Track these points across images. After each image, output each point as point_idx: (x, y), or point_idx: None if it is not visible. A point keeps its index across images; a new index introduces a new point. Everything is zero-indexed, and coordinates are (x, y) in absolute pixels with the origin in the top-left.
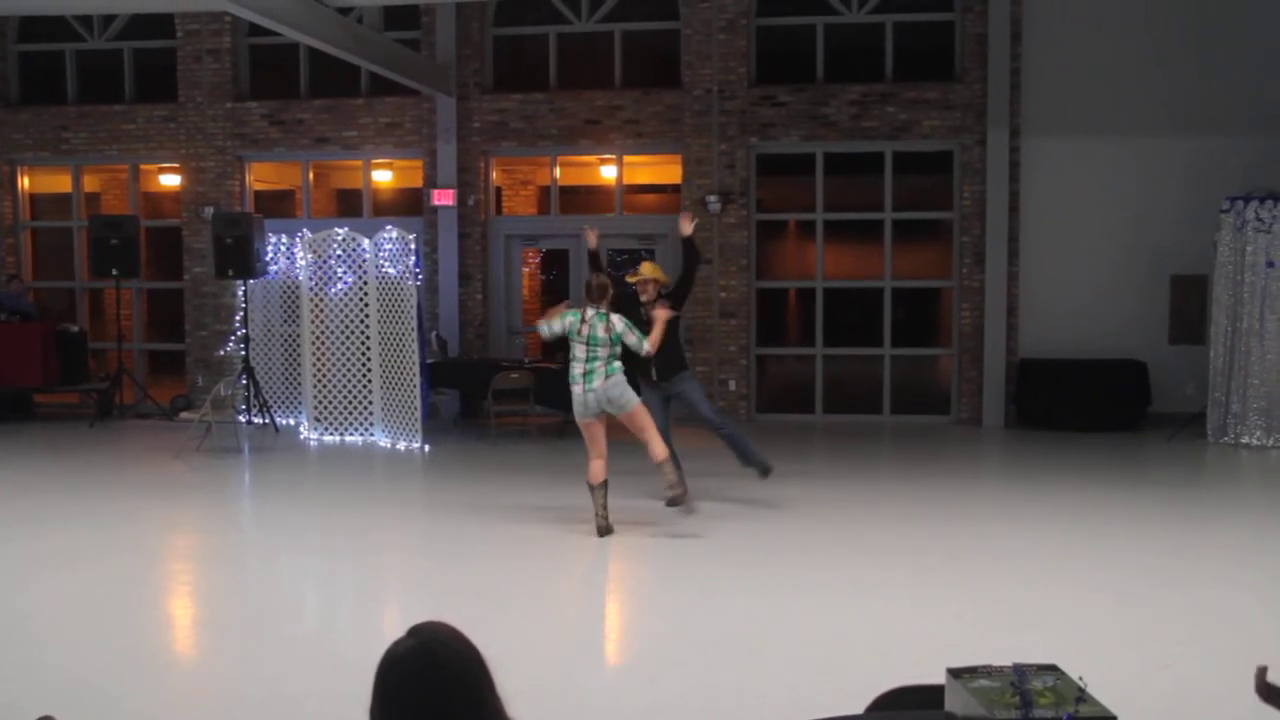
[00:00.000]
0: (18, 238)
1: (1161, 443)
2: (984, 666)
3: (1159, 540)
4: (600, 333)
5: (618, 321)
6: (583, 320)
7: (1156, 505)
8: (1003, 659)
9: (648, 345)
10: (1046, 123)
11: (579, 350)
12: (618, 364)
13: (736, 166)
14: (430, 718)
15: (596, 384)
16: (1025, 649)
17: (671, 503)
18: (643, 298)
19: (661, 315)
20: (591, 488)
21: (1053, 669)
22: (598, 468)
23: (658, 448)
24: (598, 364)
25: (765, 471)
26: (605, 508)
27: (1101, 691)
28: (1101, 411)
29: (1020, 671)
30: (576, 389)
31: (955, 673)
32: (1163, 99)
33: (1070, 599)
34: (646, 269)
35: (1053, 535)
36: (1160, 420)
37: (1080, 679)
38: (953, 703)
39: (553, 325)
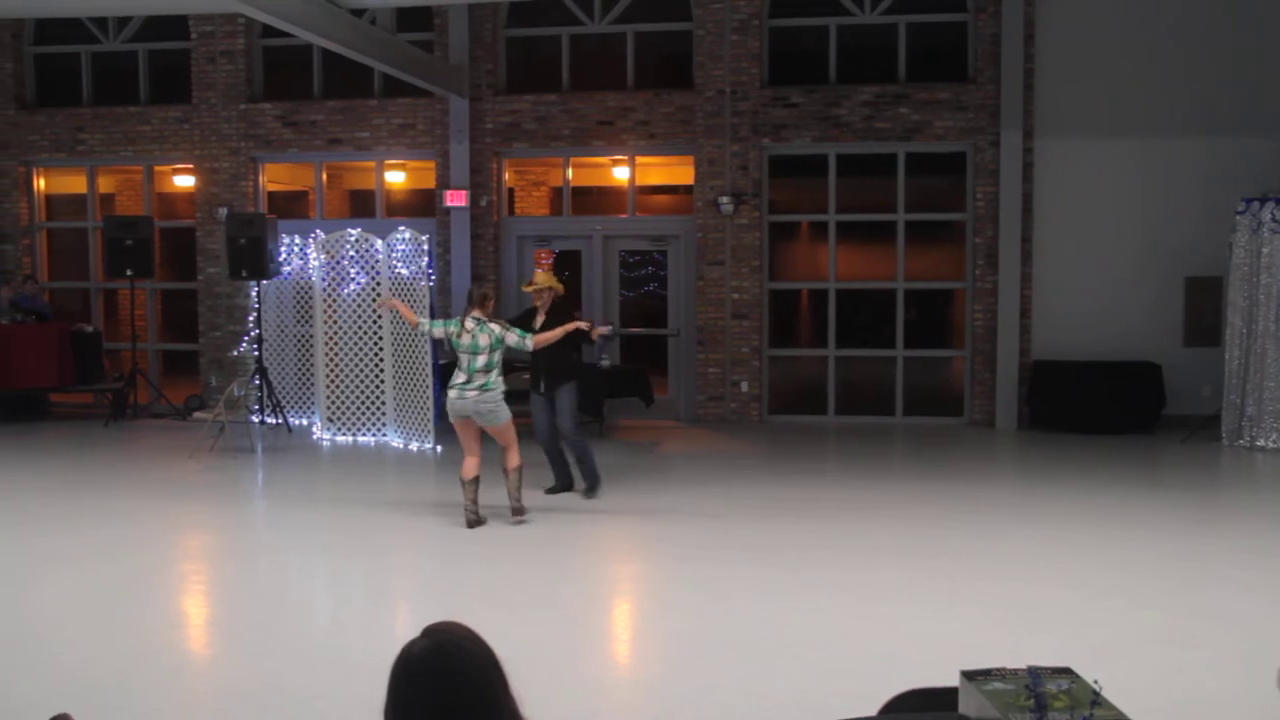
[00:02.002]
0: (33, 238)
1: (1176, 445)
2: (998, 669)
3: (1172, 543)
4: (481, 341)
5: (497, 326)
6: (463, 328)
7: (1170, 508)
8: (1016, 662)
9: (530, 341)
10: (1060, 123)
11: (461, 358)
12: (497, 378)
13: (749, 167)
14: (445, 718)
15: (470, 394)
16: (1038, 652)
17: (517, 511)
18: (536, 303)
19: (569, 327)
20: (462, 482)
21: (1067, 672)
22: (470, 465)
23: (514, 459)
24: (476, 373)
25: (593, 491)
26: (475, 502)
27: (1116, 695)
28: (1115, 414)
29: (1035, 674)
30: (452, 393)
31: (969, 675)
32: (1177, 99)
33: (1083, 602)
34: (541, 278)
35: (1065, 538)
36: (1175, 423)
37: (1095, 682)
38: (966, 705)
39: (434, 329)
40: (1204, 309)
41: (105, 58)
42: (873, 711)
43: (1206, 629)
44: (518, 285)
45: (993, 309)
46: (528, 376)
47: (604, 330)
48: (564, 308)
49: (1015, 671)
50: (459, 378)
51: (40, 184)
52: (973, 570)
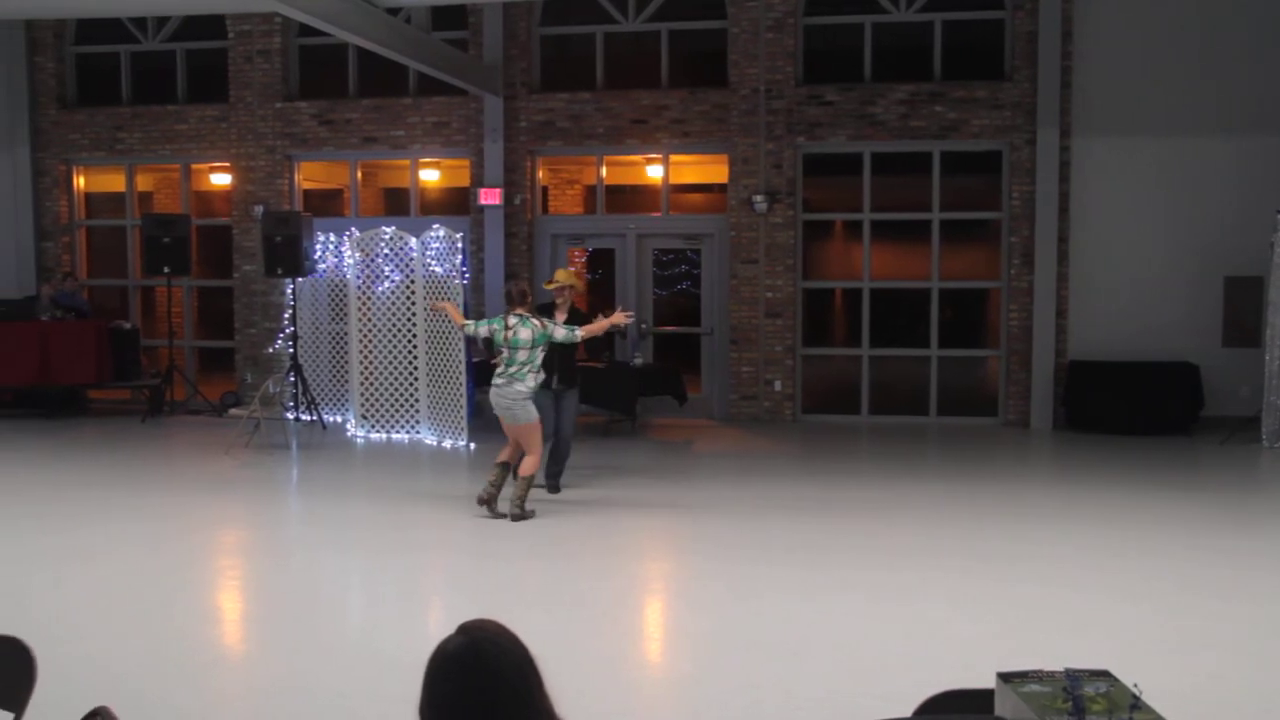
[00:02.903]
0: (73, 236)
1: (1214, 447)
2: (1034, 671)
3: (1210, 546)
4: (523, 336)
5: (541, 322)
6: (506, 326)
7: (1208, 510)
8: (1052, 664)
9: (580, 332)
10: (1098, 122)
11: (504, 354)
12: (529, 375)
13: (783, 166)
14: (480, 715)
15: (498, 386)
16: (1074, 654)
17: (515, 517)
18: (558, 300)
19: (614, 320)
20: (494, 464)
21: (1105, 675)
22: (508, 451)
23: (529, 466)
24: (513, 368)
25: (554, 489)
26: (494, 484)
27: (1155, 699)
28: (1152, 414)
29: (1073, 677)
30: (491, 390)
31: (1005, 677)
32: (1217, 97)
33: (1120, 605)
34: (562, 275)
35: (1101, 540)
36: (1213, 424)
37: (1134, 685)
38: (1002, 707)
39: (479, 329)
40: (1244, 309)
41: (144, 57)
42: (907, 713)
43: (1247, 634)
44: None
45: (1028, 308)
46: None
47: (627, 316)
48: (579, 313)
49: (1052, 674)
50: (499, 371)
51: (80, 182)
52: (1008, 572)
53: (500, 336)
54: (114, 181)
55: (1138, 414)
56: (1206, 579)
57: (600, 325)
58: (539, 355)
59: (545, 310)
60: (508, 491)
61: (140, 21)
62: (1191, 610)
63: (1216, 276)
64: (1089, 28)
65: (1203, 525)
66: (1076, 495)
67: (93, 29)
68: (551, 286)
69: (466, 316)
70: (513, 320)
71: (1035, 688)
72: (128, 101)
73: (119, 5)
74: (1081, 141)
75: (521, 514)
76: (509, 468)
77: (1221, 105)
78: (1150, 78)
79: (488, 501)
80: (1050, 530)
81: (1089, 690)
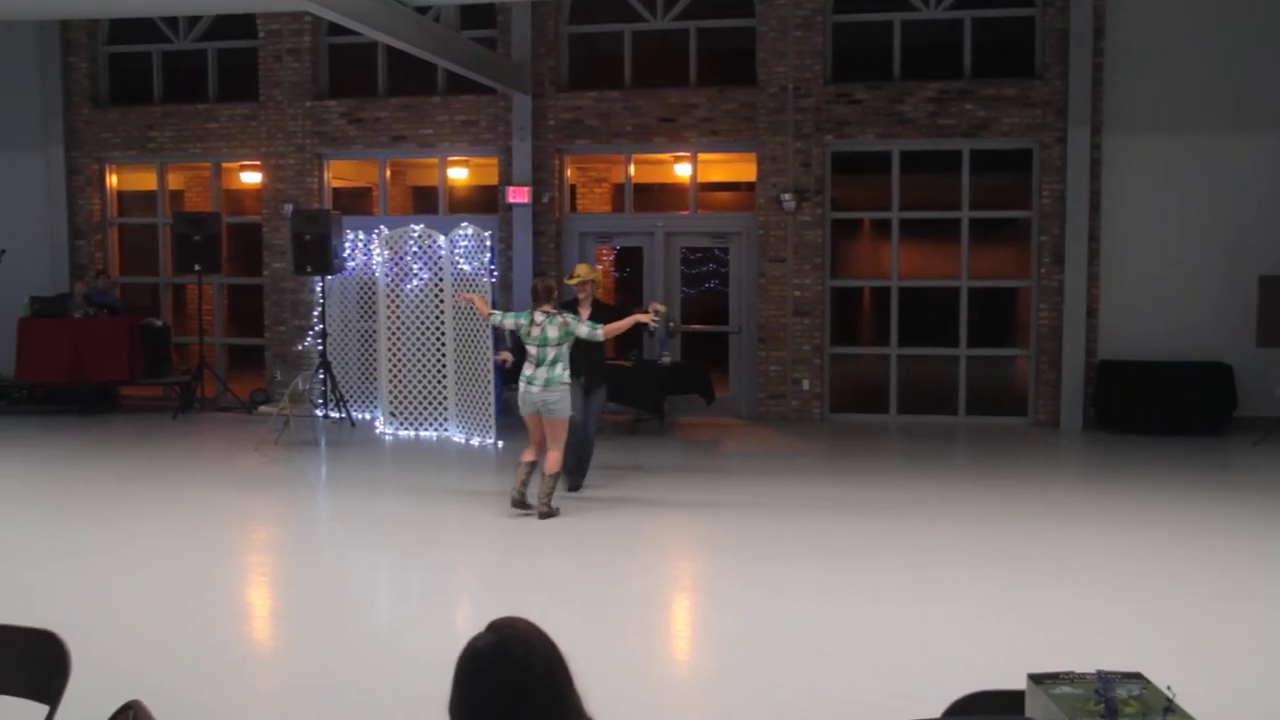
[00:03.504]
0: (105, 234)
1: (1247, 448)
2: (1066, 673)
3: (1244, 549)
4: (550, 333)
5: (566, 318)
6: (532, 322)
7: (1241, 512)
8: (1082, 666)
9: (601, 331)
10: (1129, 119)
11: (531, 350)
12: (563, 371)
13: (811, 164)
14: (510, 713)
15: (536, 388)
16: (1105, 657)
17: (543, 515)
18: (580, 295)
19: (637, 318)
20: (519, 464)
21: (1138, 677)
22: (533, 450)
23: (554, 464)
24: (543, 366)
25: (575, 487)
26: (524, 484)
27: (1189, 703)
28: (1184, 415)
29: (1105, 679)
30: (522, 385)
31: (1036, 678)
32: (1251, 94)
33: (1151, 608)
34: (583, 270)
35: (1133, 542)
36: (1246, 425)
37: (1168, 688)
38: (1033, 709)
39: (505, 320)
40: (1278, 308)
41: (175, 57)
42: (936, 714)
43: None
44: None
45: (1058, 308)
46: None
47: (657, 309)
48: (604, 306)
49: (1084, 676)
50: (528, 369)
51: (112, 181)
52: (1037, 574)
53: (525, 332)
54: (146, 180)
55: (1169, 414)
56: (1239, 582)
57: (624, 324)
58: (565, 350)
59: (569, 307)
60: (533, 490)
61: (171, 21)
62: (1225, 614)
63: (1250, 275)
64: (1121, 25)
65: (1235, 527)
66: (1106, 497)
67: (125, 29)
68: (573, 281)
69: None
70: (539, 317)
71: (1066, 690)
72: (159, 101)
73: (153, 5)
74: (1113, 139)
75: (548, 511)
76: (535, 466)
77: (1254, 102)
78: (1182, 75)
79: (520, 502)
80: (1079, 532)
81: (1121, 693)
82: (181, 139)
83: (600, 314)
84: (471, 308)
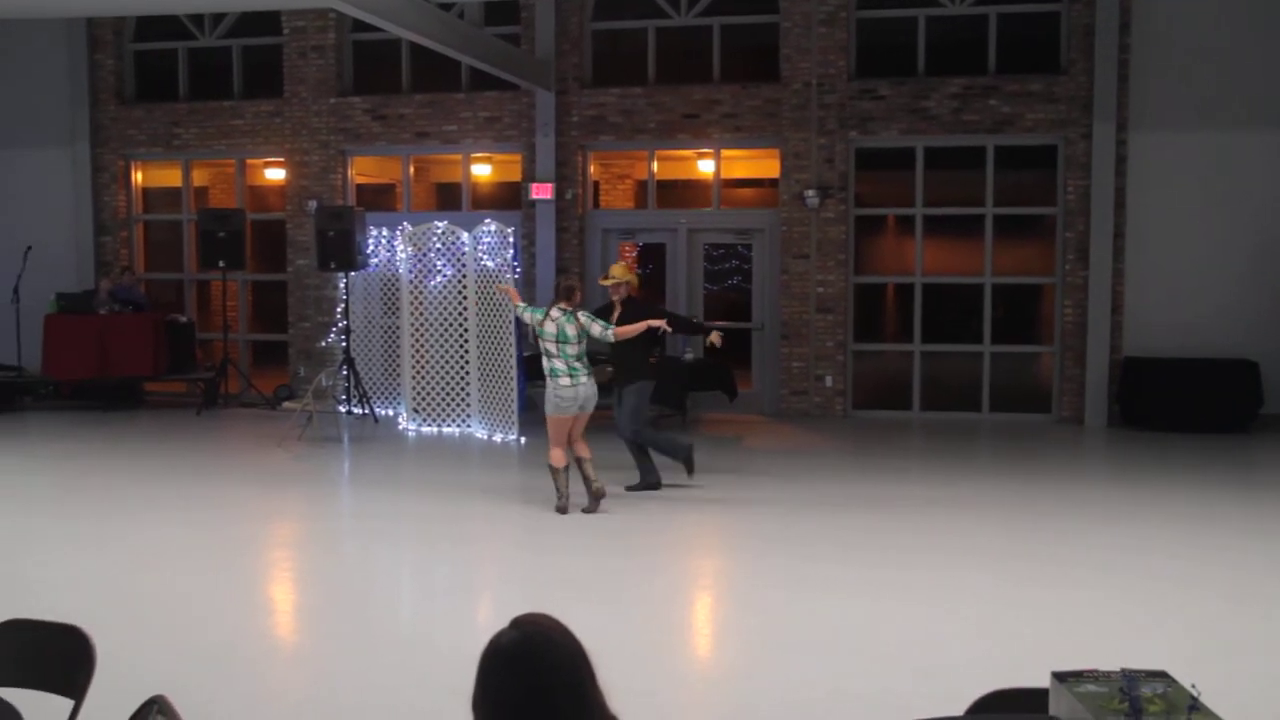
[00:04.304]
0: (130, 230)
1: (1273, 445)
2: (1090, 671)
3: (1270, 548)
4: (569, 330)
5: (583, 317)
6: (547, 317)
7: (1268, 510)
8: (1106, 664)
9: (613, 333)
10: (1155, 115)
11: (550, 347)
12: (586, 366)
13: (835, 161)
14: (533, 709)
15: (583, 381)
16: (1128, 655)
17: (597, 495)
18: (614, 297)
19: (650, 323)
20: (555, 470)
21: (1163, 675)
22: (560, 454)
23: (586, 449)
24: (576, 362)
25: (689, 466)
26: (566, 488)
27: (1214, 701)
28: (1210, 412)
29: (1129, 677)
30: (565, 381)
31: (1060, 676)
32: (1278, 89)
33: (1176, 607)
34: (618, 271)
35: (1157, 540)
36: (1273, 422)
37: (1193, 686)
38: (1057, 707)
39: (524, 313)
40: None
41: (201, 54)
42: (960, 711)
43: None
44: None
45: (1083, 304)
46: (610, 369)
47: (715, 339)
48: (637, 306)
49: (1108, 674)
50: (560, 366)
51: (138, 177)
52: (1058, 572)
53: (540, 328)
54: (170, 176)
55: (1194, 411)
56: (1265, 581)
57: (636, 327)
58: (584, 348)
59: (604, 311)
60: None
61: (197, 19)
62: (1250, 613)
63: (1277, 272)
64: (1147, 20)
65: (1262, 525)
66: (1131, 494)
67: (151, 26)
68: (607, 283)
69: None
70: (555, 313)
71: (1091, 688)
72: (184, 97)
73: (179, 3)
74: (1138, 135)
75: (602, 489)
76: (569, 467)
77: None
78: (1208, 70)
79: (565, 508)
80: (1103, 529)
81: (1146, 691)
82: (206, 136)
83: (632, 311)
84: (505, 298)
